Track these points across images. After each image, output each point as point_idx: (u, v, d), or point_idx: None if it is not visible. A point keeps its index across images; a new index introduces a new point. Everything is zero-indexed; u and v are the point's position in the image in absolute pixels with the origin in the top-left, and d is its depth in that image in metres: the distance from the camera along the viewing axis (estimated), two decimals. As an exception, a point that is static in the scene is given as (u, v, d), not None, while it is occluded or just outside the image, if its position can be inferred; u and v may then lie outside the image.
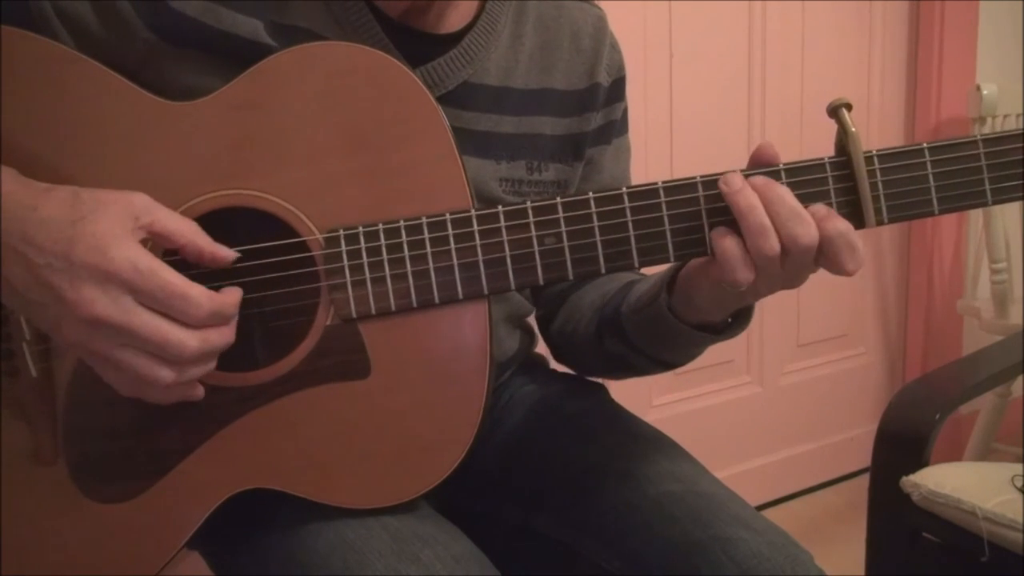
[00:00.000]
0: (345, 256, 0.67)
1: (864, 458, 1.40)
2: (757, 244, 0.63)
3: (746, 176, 0.65)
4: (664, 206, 0.66)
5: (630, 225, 0.67)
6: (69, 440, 0.68)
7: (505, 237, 0.67)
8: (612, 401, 0.94)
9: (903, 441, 1.21)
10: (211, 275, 0.65)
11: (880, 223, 0.66)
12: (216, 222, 0.66)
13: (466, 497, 0.83)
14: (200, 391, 0.65)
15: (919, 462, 1.19)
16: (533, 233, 0.67)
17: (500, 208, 0.67)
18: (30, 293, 0.59)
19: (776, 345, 2.07)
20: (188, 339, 0.60)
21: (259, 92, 0.67)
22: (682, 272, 0.72)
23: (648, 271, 0.77)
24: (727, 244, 0.64)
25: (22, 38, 0.66)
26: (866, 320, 2.21)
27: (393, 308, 0.67)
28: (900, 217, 0.67)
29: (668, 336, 0.75)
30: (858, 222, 0.66)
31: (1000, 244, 1.87)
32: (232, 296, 0.63)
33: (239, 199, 0.67)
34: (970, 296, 2.04)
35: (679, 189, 0.66)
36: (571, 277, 0.68)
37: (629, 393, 1.56)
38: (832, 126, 0.66)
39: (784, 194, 0.63)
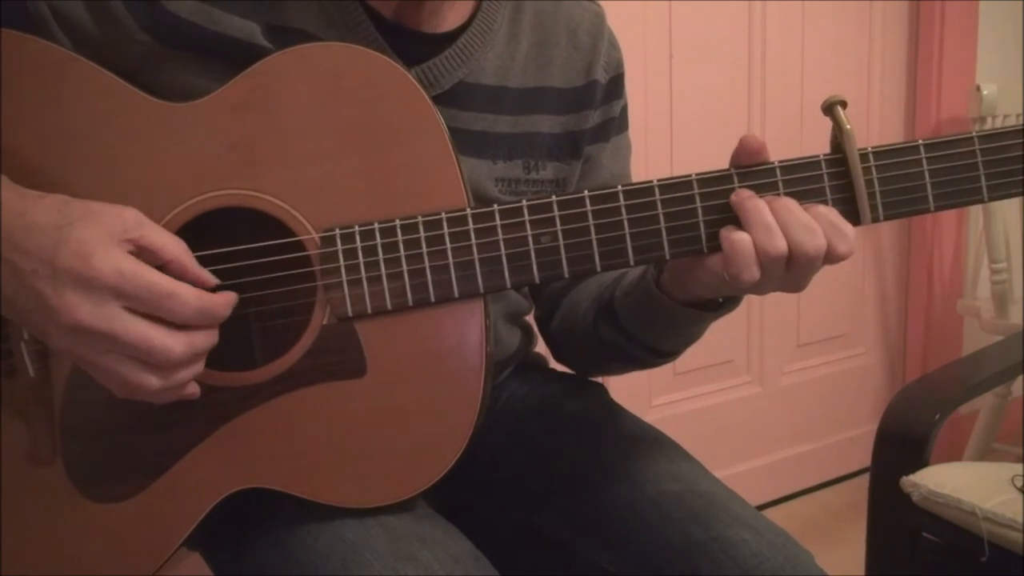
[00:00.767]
0: (341, 255, 0.67)
1: (864, 458, 1.40)
2: (763, 243, 0.63)
3: (743, 174, 0.66)
4: (660, 204, 0.66)
5: (626, 223, 0.67)
6: (67, 440, 0.68)
7: (501, 236, 0.67)
8: (612, 401, 0.94)
9: (903, 441, 1.21)
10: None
11: (876, 220, 0.66)
12: (213, 222, 0.67)
13: (464, 497, 0.83)
14: (196, 390, 0.65)
15: (919, 462, 1.19)
16: (529, 232, 0.67)
17: (496, 207, 0.67)
18: (18, 300, 0.59)
19: (776, 345, 2.07)
20: (174, 344, 0.60)
21: (256, 93, 0.67)
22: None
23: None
24: (737, 238, 0.64)
25: (19, 40, 0.66)
26: (866, 320, 2.21)
27: (389, 307, 0.67)
28: (896, 214, 0.67)
29: (658, 315, 0.75)
30: (854, 219, 0.66)
31: (1000, 244, 1.87)
32: (224, 297, 0.63)
33: (236, 199, 0.67)
34: (970, 296, 2.04)
35: (674, 187, 0.66)
36: (567, 275, 0.68)
37: (629, 393, 1.56)
38: (831, 125, 0.67)
39: (790, 204, 0.64)
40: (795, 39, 1.95)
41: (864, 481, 1.28)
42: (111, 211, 0.60)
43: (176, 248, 0.62)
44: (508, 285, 0.68)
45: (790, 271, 0.65)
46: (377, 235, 0.67)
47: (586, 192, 0.67)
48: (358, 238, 0.67)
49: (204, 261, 0.65)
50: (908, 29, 2.11)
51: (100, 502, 0.68)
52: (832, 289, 2.11)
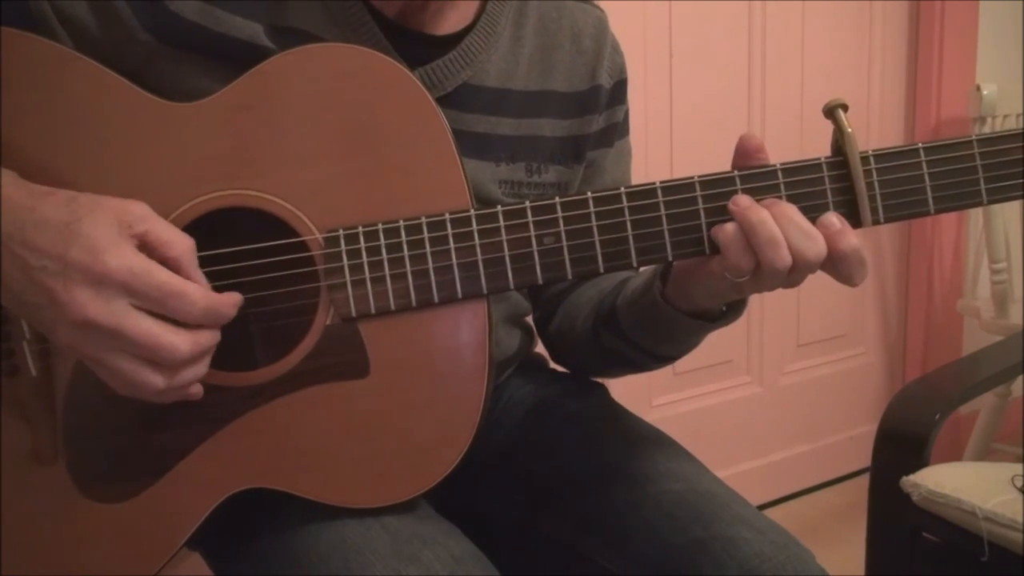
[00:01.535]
0: (345, 256, 0.67)
1: (864, 458, 1.40)
2: (769, 257, 0.64)
3: (745, 176, 0.66)
4: (662, 206, 0.67)
5: (628, 225, 0.67)
6: (69, 439, 0.68)
7: (504, 237, 0.67)
8: (612, 401, 0.94)
9: (903, 441, 1.21)
10: (211, 276, 0.65)
11: (876, 223, 0.67)
12: (217, 222, 0.67)
13: (466, 497, 0.83)
14: (199, 390, 0.64)
15: (919, 462, 1.19)
16: (532, 233, 0.67)
17: (499, 208, 0.67)
18: (26, 295, 0.59)
19: (776, 345, 2.08)
20: (180, 343, 0.60)
21: (260, 93, 0.67)
22: (678, 263, 0.72)
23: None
24: (727, 230, 0.65)
25: (21, 39, 0.66)
26: (866, 320, 2.21)
27: (392, 308, 0.67)
28: (896, 217, 0.67)
29: (662, 325, 0.75)
30: (854, 221, 0.66)
31: (1000, 244, 1.87)
32: (231, 298, 0.63)
33: (240, 199, 0.67)
34: (970, 296, 2.04)
35: (677, 189, 0.66)
36: (570, 277, 0.68)
37: (629, 393, 1.56)
38: (831, 126, 0.67)
39: (790, 211, 0.65)
40: (795, 39, 1.95)
41: (864, 481, 1.28)
42: (118, 205, 0.60)
43: (182, 244, 0.62)
44: (511, 286, 0.68)
45: (791, 275, 0.66)
46: (381, 236, 0.67)
47: (589, 194, 0.67)
48: (362, 239, 0.67)
49: (208, 261, 0.65)
50: (908, 29, 2.11)
51: (102, 502, 0.68)
52: (832, 289, 2.08)
